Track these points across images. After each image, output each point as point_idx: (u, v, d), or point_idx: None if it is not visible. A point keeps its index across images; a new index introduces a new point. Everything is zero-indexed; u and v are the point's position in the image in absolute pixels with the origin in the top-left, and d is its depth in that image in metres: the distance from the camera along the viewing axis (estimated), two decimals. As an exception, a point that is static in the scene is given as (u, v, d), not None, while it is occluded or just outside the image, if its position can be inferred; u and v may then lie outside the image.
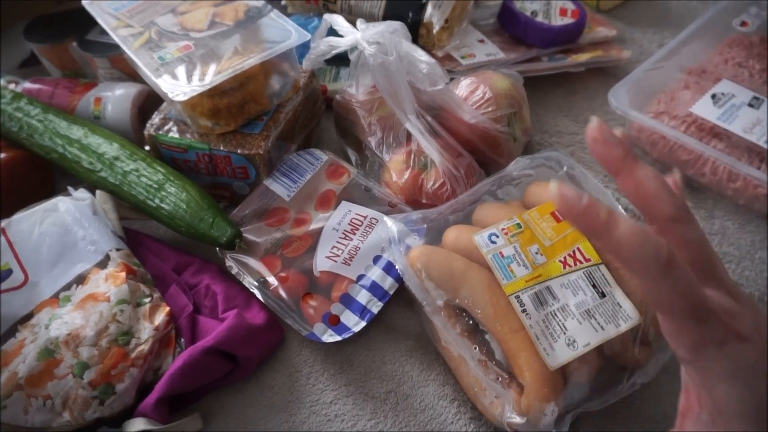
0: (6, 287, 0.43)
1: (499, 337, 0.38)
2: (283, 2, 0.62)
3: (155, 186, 0.47)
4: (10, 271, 0.44)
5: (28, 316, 0.42)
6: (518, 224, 0.40)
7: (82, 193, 0.48)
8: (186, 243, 0.50)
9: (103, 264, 0.45)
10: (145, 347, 0.41)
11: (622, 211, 0.44)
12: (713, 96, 0.53)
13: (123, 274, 0.44)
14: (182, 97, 0.43)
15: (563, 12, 0.62)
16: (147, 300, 0.43)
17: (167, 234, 0.52)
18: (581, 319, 0.36)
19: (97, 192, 0.49)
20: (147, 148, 0.52)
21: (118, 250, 0.45)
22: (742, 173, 0.48)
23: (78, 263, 0.45)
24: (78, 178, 0.51)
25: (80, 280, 0.44)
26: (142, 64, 0.46)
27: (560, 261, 0.38)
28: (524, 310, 0.38)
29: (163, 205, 0.47)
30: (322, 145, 0.58)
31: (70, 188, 0.49)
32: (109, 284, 0.43)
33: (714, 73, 0.55)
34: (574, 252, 0.38)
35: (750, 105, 0.51)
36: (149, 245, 0.49)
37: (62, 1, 0.58)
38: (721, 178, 0.51)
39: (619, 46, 0.64)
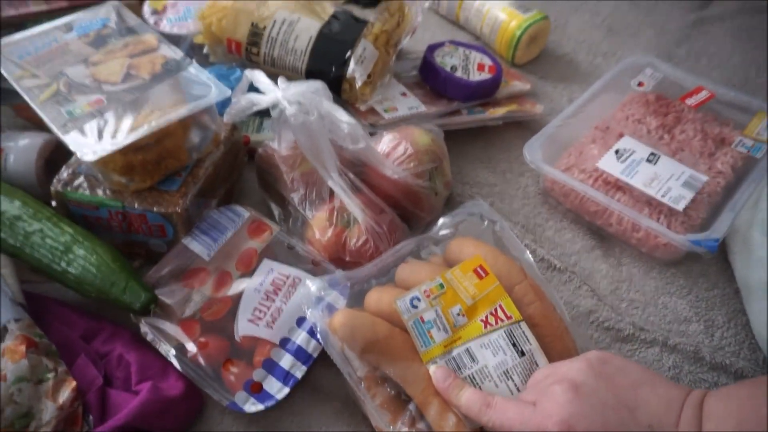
0: None
1: (419, 402, 0.38)
2: (205, 51, 0.61)
3: (62, 248, 0.44)
4: None
5: None
6: (441, 284, 0.41)
7: (-24, 257, 0.44)
8: (96, 305, 0.47)
9: (-1, 336, 0.41)
10: (47, 429, 0.38)
11: (530, 259, 0.45)
12: (617, 151, 0.57)
13: (22, 348, 0.40)
14: (91, 157, 0.41)
15: (481, 67, 0.64)
16: (50, 375, 0.40)
17: (75, 295, 0.48)
18: (498, 381, 0.37)
19: (-5, 255, 0.45)
20: (54, 203, 0.49)
21: (17, 320, 0.42)
22: (643, 225, 0.52)
23: (-31, 337, 0.41)
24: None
25: (-28, 355, 0.40)
26: (48, 120, 0.43)
27: (482, 320, 0.39)
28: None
29: (69, 269, 0.44)
30: (244, 197, 0.57)
31: (-38, 251, 0.45)
32: (6, 360, 0.40)
33: (617, 129, 0.60)
34: (496, 310, 0.39)
35: (648, 161, 0.56)
36: (54, 310, 0.46)
37: (-42, 45, 0.54)
38: (626, 228, 0.55)
39: (533, 101, 0.68)
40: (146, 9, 0.67)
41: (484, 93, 0.64)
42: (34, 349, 0.41)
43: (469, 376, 0.37)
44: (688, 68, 0.72)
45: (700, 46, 0.80)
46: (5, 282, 0.44)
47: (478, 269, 0.42)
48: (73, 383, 0.40)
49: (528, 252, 0.46)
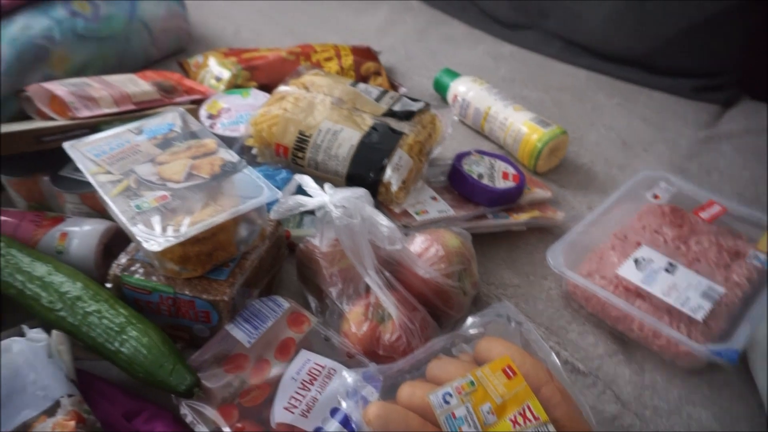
0: (-59, 437, 0.41)
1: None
2: (254, 152, 0.67)
3: (116, 329, 0.47)
4: (-52, 419, 0.42)
5: (-39, 470, 0.40)
6: (471, 382, 0.43)
7: (37, 334, 0.48)
8: (138, 386, 0.49)
9: (51, 411, 0.43)
10: (87, 506, 0.39)
11: (557, 361, 0.47)
12: (635, 260, 0.60)
13: (72, 423, 0.42)
14: (157, 248, 0.45)
15: (505, 175, 0.70)
16: (94, 452, 0.42)
17: (120, 376, 0.51)
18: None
19: (54, 332, 0.48)
20: (109, 285, 0.53)
21: (69, 396, 0.44)
22: (663, 333, 0.54)
23: (24, 410, 0.43)
24: (32, 315, 0.51)
25: (24, 428, 0.42)
26: (119, 212, 0.48)
27: (511, 420, 0.41)
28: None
29: (122, 349, 0.47)
30: (283, 288, 0.60)
31: (24, 327, 0.49)
32: (56, 435, 0.42)
33: (635, 239, 0.63)
34: (524, 410, 0.41)
35: (666, 270, 0.59)
36: (100, 388, 0.48)
37: (42, 141, 0.61)
38: (647, 335, 0.57)
39: (554, 207, 0.72)
40: (203, 112, 0.75)
41: (509, 199, 0.69)
42: (82, 425, 0.43)
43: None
44: (700, 182, 0.76)
45: (711, 162, 0.85)
46: (62, 358, 0.47)
47: (507, 369, 0.44)
48: (115, 463, 0.42)
49: (553, 354, 0.48)
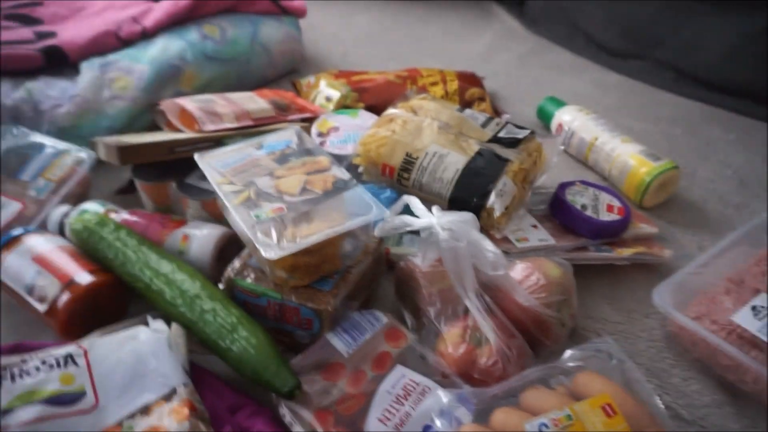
0: (77, 409, 0.46)
1: None
2: (360, 170, 0.70)
3: (228, 328, 0.51)
4: (83, 394, 0.46)
5: (92, 441, 0.44)
6: (569, 416, 0.42)
7: (160, 325, 0.52)
8: (241, 382, 0.52)
9: (168, 397, 0.47)
10: (195, 490, 0.42)
11: (661, 405, 0.45)
12: (753, 308, 0.56)
13: (186, 411, 0.46)
14: (273, 255, 0.48)
15: (610, 208, 0.68)
16: (203, 440, 0.45)
17: (226, 371, 0.54)
18: None
19: (173, 325, 0.53)
20: (222, 287, 0.57)
21: (184, 385, 0.48)
22: (784, 389, 0.50)
23: (145, 393, 0.48)
24: (155, 307, 0.56)
25: (144, 410, 0.47)
26: (240, 220, 0.52)
27: (609, 460, 0.39)
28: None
29: (232, 347, 0.50)
30: (379, 304, 0.62)
31: (148, 317, 0.54)
32: (172, 419, 0.45)
33: (752, 284, 0.59)
34: (623, 452, 0.40)
35: (789, 321, 0.54)
36: (209, 381, 0.52)
37: (175, 152, 0.67)
38: (763, 389, 0.52)
39: (661, 244, 0.69)
40: (313, 131, 0.79)
41: (613, 233, 0.67)
42: (194, 413, 0.46)
43: None
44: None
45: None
46: (179, 350, 0.51)
47: (606, 407, 0.42)
48: (221, 451, 0.45)
49: (656, 396, 0.46)
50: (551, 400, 0.44)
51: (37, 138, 0.75)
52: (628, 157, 0.78)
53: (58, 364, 0.47)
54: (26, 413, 0.43)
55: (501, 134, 0.67)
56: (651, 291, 0.58)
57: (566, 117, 0.87)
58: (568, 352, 0.48)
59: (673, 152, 0.84)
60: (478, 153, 0.63)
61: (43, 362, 0.47)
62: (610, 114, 0.95)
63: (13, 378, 0.46)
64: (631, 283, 0.66)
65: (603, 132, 0.82)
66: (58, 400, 0.45)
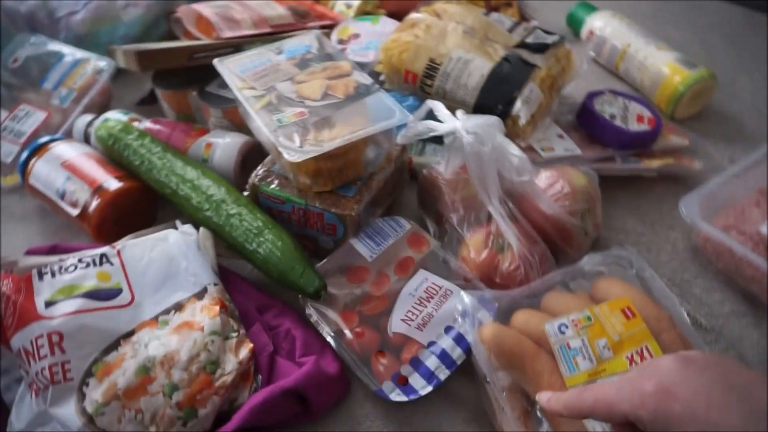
0: (114, 304, 0.48)
1: (555, 426, 0.40)
2: (381, 78, 0.68)
3: (255, 231, 0.52)
4: (120, 290, 0.49)
5: (130, 333, 0.47)
6: (588, 317, 0.43)
7: (189, 229, 0.54)
8: (268, 285, 0.54)
9: (200, 295, 0.49)
10: (228, 378, 0.45)
11: (682, 310, 0.46)
12: (783, 218, 0.55)
13: (217, 308, 0.48)
14: (296, 159, 0.48)
15: (640, 118, 0.66)
16: (234, 334, 0.48)
17: (251, 274, 0.56)
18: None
19: (201, 229, 0.54)
20: (246, 194, 0.57)
21: (215, 285, 0.50)
22: (807, 297, 0.50)
23: (178, 291, 0.50)
24: (183, 213, 0.57)
25: (178, 307, 0.49)
26: (263, 124, 0.51)
27: (627, 357, 0.40)
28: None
29: (259, 250, 0.51)
30: (402, 213, 0.62)
31: (177, 222, 0.55)
32: (204, 315, 0.48)
33: (784, 196, 0.58)
34: (641, 350, 0.41)
35: (819, 232, 0.53)
36: (237, 283, 0.54)
37: (194, 58, 0.66)
38: (785, 299, 0.53)
39: (691, 156, 0.68)
40: (333, 38, 0.77)
41: (641, 144, 0.65)
42: (224, 311, 0.48)
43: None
44: None
45: None
46: (207, 253, 0.52)
47: (626, 310, 0.43)
48: (251, 345, 0.47)
49: (678, 303, 0.46)
50: (571, 303, 0.45)
51: (56, 46, 0.74)
52: (663, 65, 0.74)
53: (94, 263, 0.49)
54: (68, 305, 0.45)
55: (528, 40, 0.64)
56: (677, 203, 0.57)
57: (598, 23, 0.82)
58: (589, 257, 0.48)
59: (711, 62, 0.79)
60: (504, 58, 0.61)
61: (80, 261, 0.49)
62: (646, 21, 0.90)
63: (53, 274, 0.48)
64: (657, 195, 0.65)
65: (637, 39, 0.78)
66: (97, 295, 0.47)
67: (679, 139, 0.69)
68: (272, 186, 0.55)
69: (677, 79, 0.72)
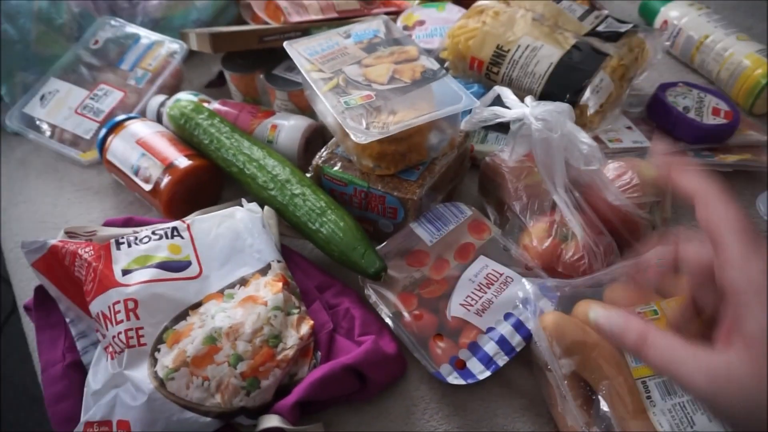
0: (184, 276, 0.50)
1: (617, 416, 0.39)
2: (446, 65, 0.68)
3: (317, 211, 0.53)
4: (189, 263, 0.51)
5: (198, 305, 0.49)
6: (655, 310, 0.41)
7: (254, 207, 0.55)
8: (328, 265, 0.55)
9: (264, 271, 0.51)
10: (289, 352, 0.46)
11: None
12: None
13: (280, 284, 0.49)
14: (364, 140, 0.49)
15: (716, 111, 0.63)
16: (295, 311, 0.49)
17: (312, 254, 0.57)
18: (712, 416, 0.37)
19: (266, 208, 0.56)
20: (309, 175, 0.59)
21: (278, 262, 0.51)
22: None
23: (243, 267, 0.51)
24: (248, 192, 0.58)
25: (243, 282, 0.50)
26: (330, 106, 0.52)
27: (695, 355, 0.39)
28: (649, 397, 0.39)
29: (321, 230, 0.52)
30: (462, 200, 0.62)
31: (243, 200, 0.57)
32: (267, 290, 0.49)
33: None
34: (710, 348, 0.39)
35: None
36: (298, 262, 0.55)
37: (263, 41, 0.67)
38: None
39: (770, 152, 0.64)
40: (399, 24, 0.77)
41: (716, 138, 0.62)
42: (287, 287, 0.50)
43: (679, 404, 0.38)
44: None
45: None
46: (271, 230, 0.54)
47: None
48: (311, 322, 0.49)
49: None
50: (636, 296, 0.43)
51: (133, 29, 0.78)
52: (743, 57, 0.71)
53: (166, 236, 0.51)
54: (143, 274, 0.48)
55: (600, 28, 0.63)
56: (753, 200, 0.55)
57: (673, 13, 0.79)
58: (655, 249, 0.46)
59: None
60: (575, 46, 0.60)
61: (153, 233, 0.51)
62: (726, 11, 0.86)
63: (129, 245, 0.50)
64: (731, 191, 0.62)
65: (716, 29, 0.74)
66: (168, 266, 0.49)
67: (757, 135, 0.65)
68: (335, 168, 0.56)
69: (759, 71, 0.69)
